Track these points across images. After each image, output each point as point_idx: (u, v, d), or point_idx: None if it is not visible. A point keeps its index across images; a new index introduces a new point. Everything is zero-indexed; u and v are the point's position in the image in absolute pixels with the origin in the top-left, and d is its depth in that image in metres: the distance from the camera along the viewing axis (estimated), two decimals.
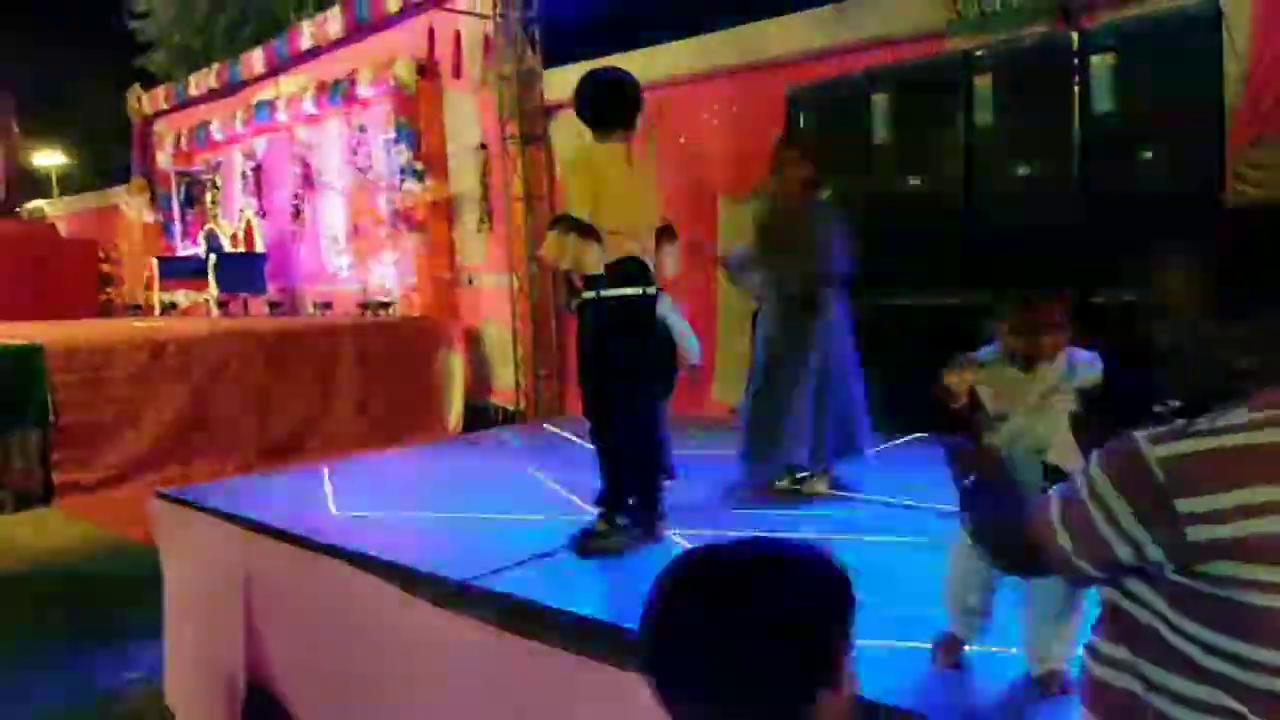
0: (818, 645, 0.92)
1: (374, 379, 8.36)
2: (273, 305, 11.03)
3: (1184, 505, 1.05)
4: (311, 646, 2.82)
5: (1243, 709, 1.05)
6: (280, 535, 2.87)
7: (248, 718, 3.07)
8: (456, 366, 8.94)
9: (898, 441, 4.11)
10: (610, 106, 2.74)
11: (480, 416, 8.99)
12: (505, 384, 8.84)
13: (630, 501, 2.68)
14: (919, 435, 4.21)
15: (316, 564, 2.75)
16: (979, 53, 4.77)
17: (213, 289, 10.59)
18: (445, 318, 9.12)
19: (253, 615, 3.01)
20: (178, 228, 13.08)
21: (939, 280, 4.62)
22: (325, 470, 3.78)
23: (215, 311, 10.66)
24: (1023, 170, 4.49)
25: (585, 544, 2.61)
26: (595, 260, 2.58)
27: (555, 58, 7.65)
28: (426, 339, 8.82)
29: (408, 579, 2.46)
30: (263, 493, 3.45)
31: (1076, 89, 4.30)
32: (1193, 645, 1.08)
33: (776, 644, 0.90)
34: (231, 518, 3.07)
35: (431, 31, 9.17)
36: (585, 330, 2.69)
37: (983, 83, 4.60)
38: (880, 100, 4.95)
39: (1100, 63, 4.22)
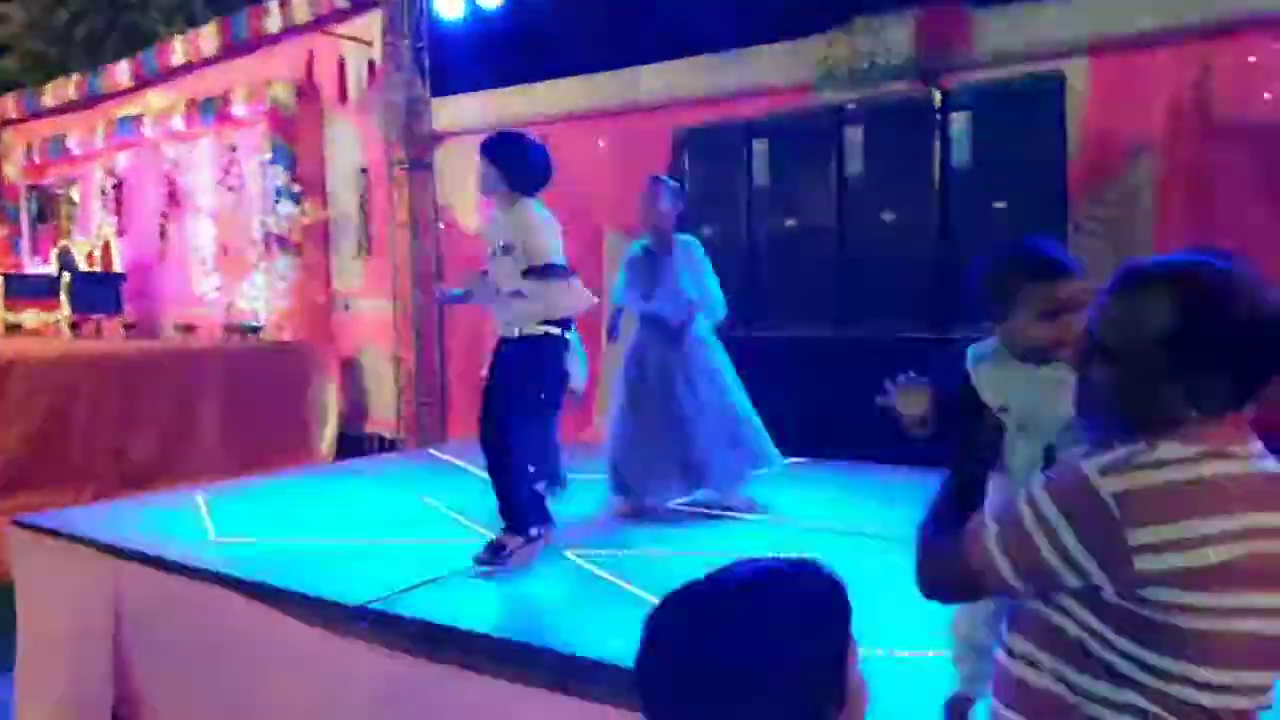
0: (824, 661, 0.88)
1: (241, 405, 8.04)
2: (128, 327, 10.47)
3: (1134, 537, 1.09)
4: (188, 678, 2.73)
5: (1164, 715, 1.12)
6: (157, 563, 2.77)
7: None
8: (331, 393, 8.72)
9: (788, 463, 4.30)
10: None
11: (354, 445, 8.78)
12: (383, 412, 8.67)
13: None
14: (800, 460, 4.41)
15: (196, 592, 2.68)
16: (851, 106, 5.09)
17: (65, 309, 9.98)
18: (319, 343, 8.89)
19: (123, 648, 2.89)
20: (25, 243, 12.27)
21: (814, 314, 4.88)
22: (200, 495, 3.65)
23: (67, 333, 10.03)
24: (888, 216, 4.80)
25: (494, 558, 2.65)
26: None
27: (441, 88, 7.67)
28: (298, 364, 8.56)
29: (298, 605, 2.42)
30: (133, 519, 3.31)
31: (938, 143, 4.66)
32: (1120, 658, 1.14)
33: (782, 667, 0.85)
34: (102, 546, 2.94)
35: (311, 55, 9.03)
36: (510, 363, 2.81)
37: (853, 133, 4.91)
38: (760, 147, 5.21)
39: (959, 119, 4.59)
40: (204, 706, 2.72)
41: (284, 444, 8.26)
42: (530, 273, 2.79)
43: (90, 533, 3.06)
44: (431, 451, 4.73)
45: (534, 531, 2.79)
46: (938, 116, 4.67)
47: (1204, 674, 1.12)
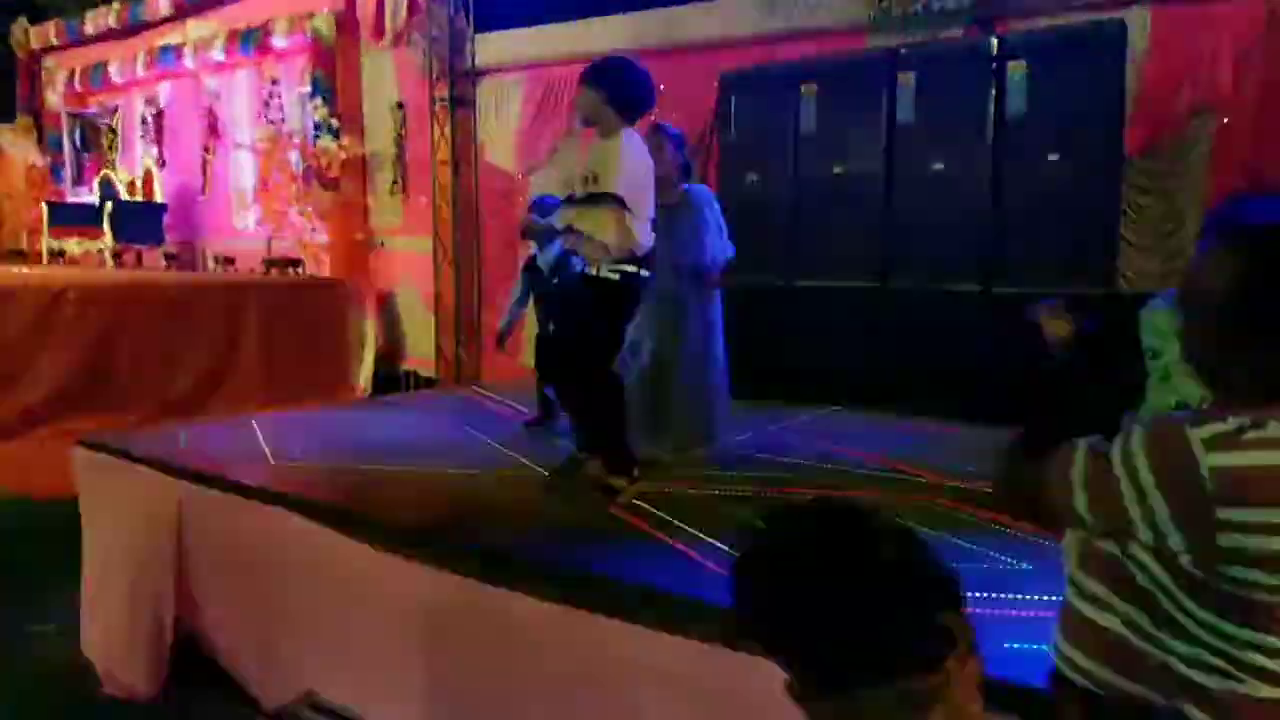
0: (937, 602, 0.84)
1: (280, 338, 8.17)
2: (169, 258, 10.61)
3: (1224, 514, 1.07)
4: (247, 596, 2.84)
5: (1236, 672, 1.14)
6: (219, 483, 2.87)
7: (175, 667, 3.06)
8: (368, 330, 8.82)
9: (822, 412, 4.34)
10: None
11: (390, 381, 8.91)
12: (420, 349, 8.77)
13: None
14: (836, 408, 4.45)
15: (256, 513, 2.77)
16: (903, 50, 5.00)
17: (108, 238, 10.11)
18: (356, 279, 8.98)
19: (184, 566, 3.00)
20: (68, 172, 12.39)
21: (859, 264, 4.86)
22: (254, 421, 3.75)
23: (109, 262, 10.19)
24: (938, 165, 4.74)
25: (605, 500, 2.73)
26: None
27: (484, 23, 7.60)
28: (337, 300, 8.66)
29: (356, 527, 2.51)
30: (194, 441, 3.41)
31: (993, 91, 4.57)
32: (1188, 617, 1.15)
33: (902, 601, 0.82)
34: (165, 466, 3.04)
35: None
36: (582, 299, 2.81)
37: (906, 79, 4.83)
38: (809, 90, 5.14)
39: (1016, 67, 4.50)
40: (261, 622, 2.83)
41: (322, 378, 8.39)
42: (588, 200, 2.76)
43: (153, 453, 3.15)
44: (475, 388, 4.79)
45: (635, 472, 2.83)
46: (993, 64, 4.58)
47: (1273, 642, 1.13)
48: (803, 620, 0.83)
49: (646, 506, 2.66)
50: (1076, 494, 1.19)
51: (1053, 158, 4.45)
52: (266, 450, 3.31)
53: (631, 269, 2.79)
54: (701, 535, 2.40)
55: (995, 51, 4.59)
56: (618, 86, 2.82)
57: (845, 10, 6.04)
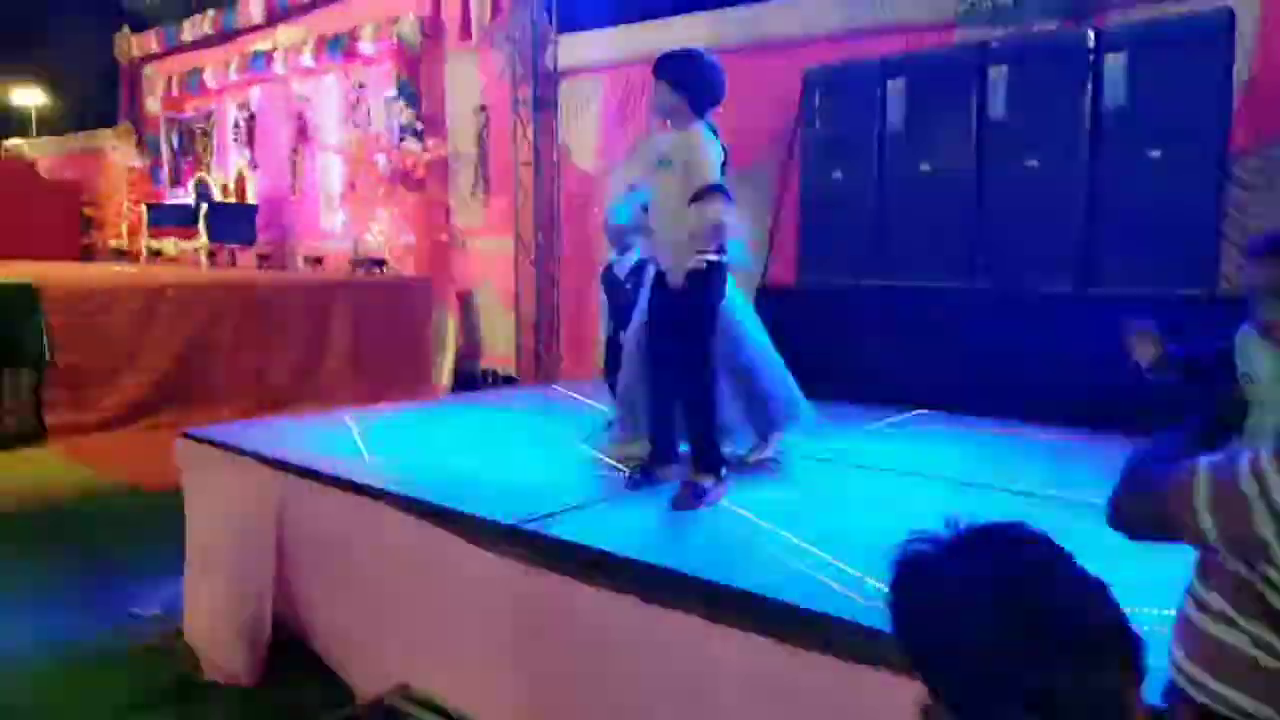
0: (1113, 665, 0.78)
1: (367, 335, 8.40)
2: (261, 258, 10.98)
3: None
4: (344, 588, 2.92)
5: None
6: (318, 477, 2.95)
7: (274, 653, 3.16)
8: (449, 327, 9.00)
9: (904, 416, 4.26)
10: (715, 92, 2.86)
11: (469, 379, 9.07)
12: (500, 347, 8.91)
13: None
14: (921, 410, 4.37)
15: (354, 506, 2.84)
16: (995, 44, 4.88)
17: (203, 238, 10.51)
18: (439, 278, 9.16)
19: (283, 556, 3.09)
20: (165, 174, 12.92)
21: (948, 265, 4.77)
22: (347, 417, 3.85)
23: (204, 261, 10.59)
24: (1032, 163, 4.62)
25: (689, 502, 2.70)
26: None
27: (566, 24, 7.67)
28: (421, 298, 8.87)
29: (452, 521, 2.55)
30: (292, 436, 3.52)
31: (1090, 86, 4.43)
32: None
33: (1073, 656, 0.76)
34: (266, 459, 3.14)
35: None
36: (692, 295, 2.77)
37: (997, 74, 4.72)
38: (895, 86, 5.05)
39: (1114, 60, 4.35)
40: (357, 613, 2.91)
41: (405, 374, 8.60)
42: (697, 196, 2.72)
43: (254, 447, 3.26)
44: (555, 387, 4.84)
45: (724, 471, 2.82)
46: (1090, 57, 4.43)
47: None
48: (960, 654, 0.78)
49: (734, 507, 2.65)
50: (1202, 516, 1.15)
51: (1153, 154, 4.29)
52: (362, 444, 3.40)
53: (715, 255, 2.78)
54: (795, 539, 2.37)
55: (1092, 44, 4.44)
56: (688, 76, 2.81)
57: (932, 5, 5.93)
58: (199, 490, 3.51)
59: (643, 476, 2.95)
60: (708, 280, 2.76)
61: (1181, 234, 4.26)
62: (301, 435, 3.57)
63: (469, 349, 9.21)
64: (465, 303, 9.24)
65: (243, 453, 3.25)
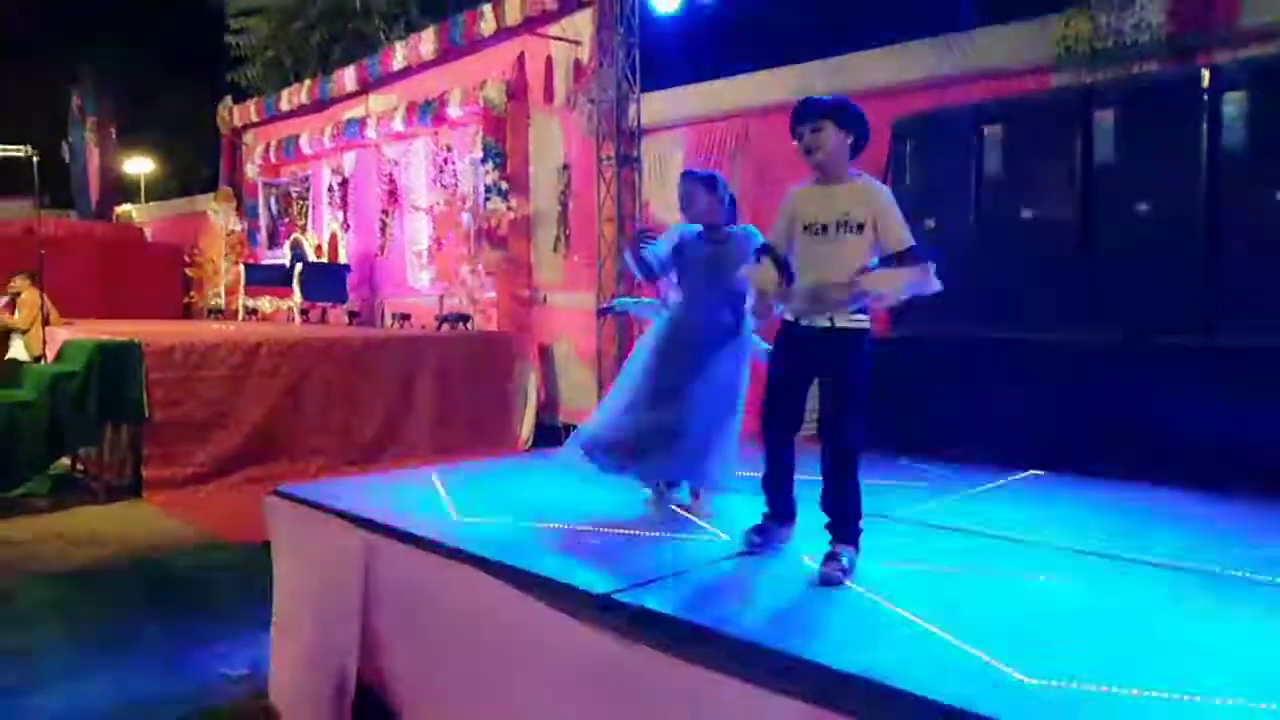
0: None
1: (451, 390, 8.47)
2: (352, 315, 11.25)
3: None
4: (430, 652, 2.82)
5: None
6: (407, 538, 2.88)
7: (356, 718, 3.07)
8: (532, 382, 9.02)
9: (1014, 478, 4.02)
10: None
11: (549, 434, 9.04)
12: (579, 402, 8.87)
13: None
14: (1036, 472, 4.11)
15: (443, 569, 2.75)
16: (1100, 87, 4.69)
17: (297, 297, 10.82)
18: (521, 334, 9.22)
19: (369, 617, 3.02)
20: (263, 236, 13.43)
21: (1056, 315, 4.53)
22: (434, 475, 3.80)
23: (298, 318, 10.89)
24: (1143, 208, 4.38)
25: (840, 575, 2.54)
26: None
27: (648, 83, 7.73)
28: (503, 354, 8.92)
29: (544, 590, 2.44)
30: (380, 495, 3.47)
31: (1205, 127, 4.20)
32: None
33: None
34: (355, 519, 3.09)
35: (521, 55, 9.35)
36: (856, 357, 2.65)
37: (1103, 117, 4.51)
38: (993, 133, 4.88)
39: (1233, 100, 4.12)
40: (443, 680, 2.80)
41: (488, 428, 8.63)
42: (895, 259, 2.55)
43: (342, 505, 3.22)
44: None
45: (861, 541, 2.66)
46: (1205, 97, 4.21)
47: None
48: None
49: (859, 589, 2.46)
50: None
51: (1279, 196, 4.02)
52: (449, 504, 3.32)
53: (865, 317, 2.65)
54: (931, 627, 2.17)
55: (1207, 83, 4.22)
56: (851, 115, 2.62)
57: (1025, 50, 5.77)
58: (287, 547, 3.48)
59: (761, 539, 2.78)
60: (869, 338, 2.64)
61: None
62: (389, 493, 3.52)
63: (548, 403, 9.21)
64: (544, 357, 9.27)
65: (330, 510, 3.21)
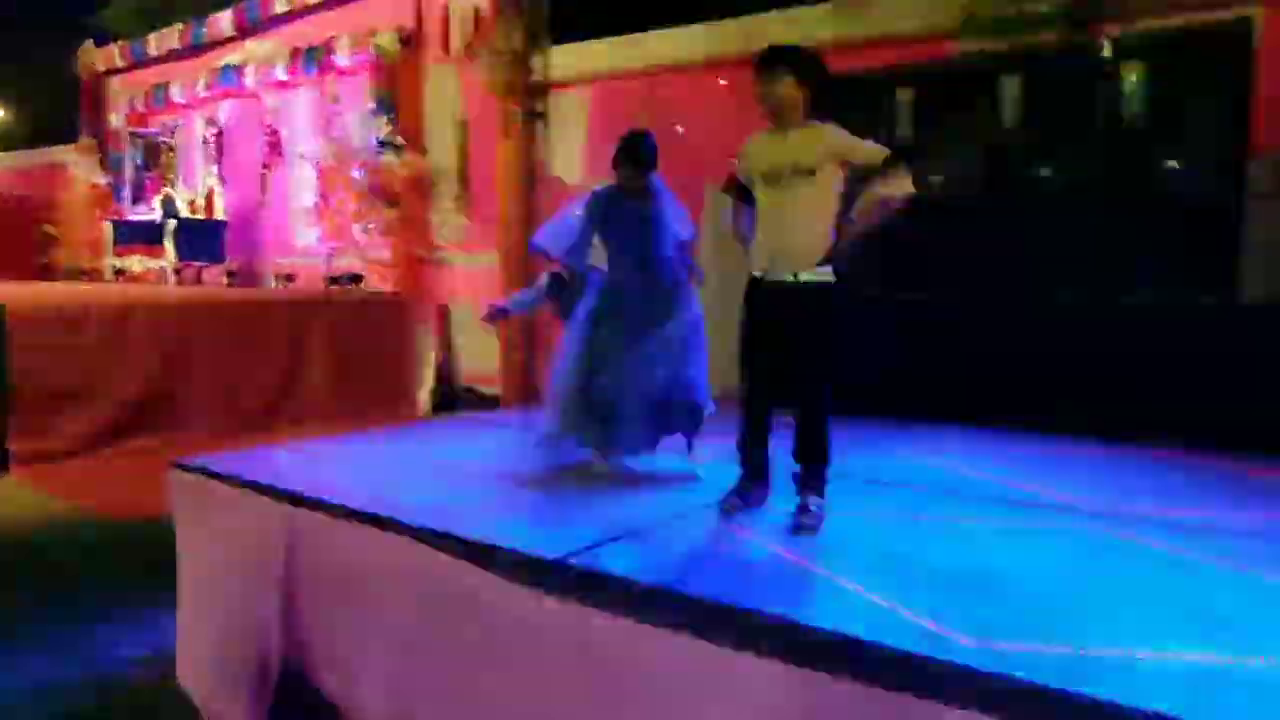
0: None
1: (345, 355, 8.15)
2: (230, 275, 10.66)
3: None
4: (362, 629, 2.69)
5: None
6: (335, 510, 2.73)
7: (279, 699, 2.93)
8: (430, 346, 8.77)
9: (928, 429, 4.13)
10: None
11: (449, 398, 8.83)
12: (481, 365, 8.68)
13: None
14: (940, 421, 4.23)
15: (375, 541, 2.63)
16: (1006, 54, 4.82)
17: (171, 256, 10.18)
18: (419, 296, 8.93)
19: (292, 594, 2.86)
20: (128, 191, 12.54)
21: (958, 275, 4.67)
22: (350, 442, 3.63)
23: (171, 279, 10.25)
24: (1045, 171, 4.55)
25: (814, 525, 2.56)
26: None
27: (554, 37, 7.52)
28: (399, 316, 8.63)
29: (487, 556, 2.35)
30: (293, 464, 3.28)
31: (1105, 96, 4.37)
32: None
33: None
34: (277, 492, 2.91)
35: (419, 4, 8.95)
36: (824, 312, 2.63)
37: (1010, 84, 4.65)
38: (904, 97, 4.96)
39: (1131, 70, 4.29)
40: (379, 655, 2.68)
41: (386, 393, 8.36)
42: (883, 172, 2.55)
43: (257, 477, 3.03)
44: None
45: (825, 491, 2.68)
46: (1105, 68, 4.38)
47: None
48: None
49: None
50: None
51: (1171, 164, 4.23)
52: (373, 471, 3.18)
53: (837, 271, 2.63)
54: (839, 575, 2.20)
55: (1108, 53, 4.39)
56: (813, 69, 2.61)
57: (930, 16, 5.86)
58: (194, 523, 3.26)
59: (741, 501, 2.76)
60: (839, 290, 2.61)
61: (1200, 242, 4.21)
62: (304, 463, 3.34)
63: (448, 368, 8.98)
64: (444, 319, 9.02)
65: (245, 483, 3.02)
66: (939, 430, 4.19)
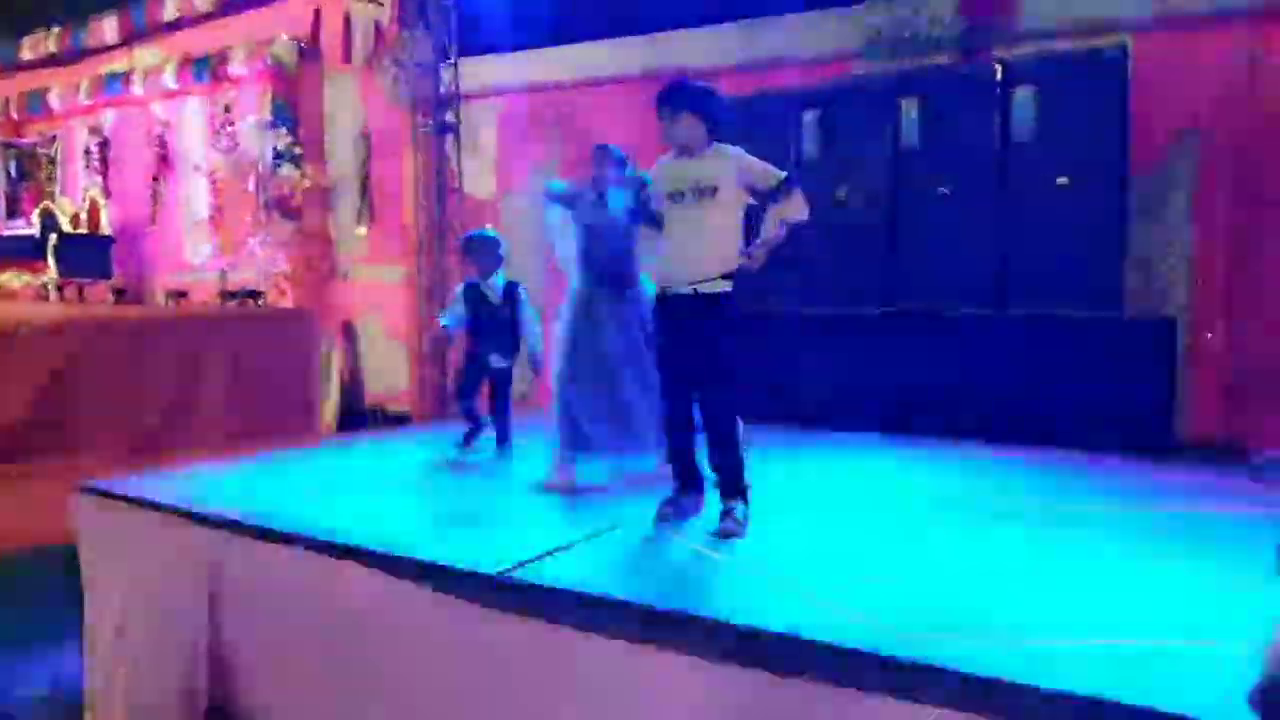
0: None
1: (244, 373, 7.85)
2: (117, 292, 10.16)
3: None
4: (296, 657, 2.63)
5: None
6: (262, 534, 2.66)
7: None
8: (333, 363, 8.55)
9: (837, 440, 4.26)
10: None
11: (355, 416, 8.63)
12: (389, 382, 8.52)
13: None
14: (844, 432, 4.38)
15: (306, 564, 2.57)
16: (906, 75, 5.04)
17: (52, 272, 9.65)
18: (321, 311, 8.70)
19: (218, 624, 2.77)
20: (2, 204, 11.83)
21: (863, 290, 4.87)
22: (274, 460, 3.54)
23: (53, 295, 9.71)
24: (944, 189, 4.77)
25: (737, 528, 2.64)
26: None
27: (459, 49, 7.47)
28: (301, 332, 8.37)
29: (425, 575, 2.34)
30: (208, 486, 3.17)
31: (997, 115, 4.62)
32: None
33: None
34: (196, 515, 2.81)
35: (316, 14, 8.76)
36: (720, 320, 2.74)
37: (909, 104, 4.86)
38: (810, 117, 5.13)
39: (1022, 93, 4.55)
40: (314, 683, 2.62)
41: (288, 413, 8.08)
42: (777, 193, 2.73)
43: (173, 500, 2.93)
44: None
45: (749, 495, 2.76)
46: (998, 90, 4.63)
47: None
48: None
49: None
50: None
51: (1060, 181, 4.50)
52: (293, 493, 3.11)
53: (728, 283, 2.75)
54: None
55: (1000, 76, 4.64)
56: (712, 108, 2.78)
57: (834, 38, 6.08)
58: (103, 551, 3.12)
59: (673, 510, 2.82)
60: (732, 301, 2.73)
61: (1088, 257, 4.48)
62: (221, 485, 3.23)
63: (354, 384, 8.78)
64: (349, 335, 8.82)
65: (162, 507, 2.91)
66: (852, 438, 4.34)
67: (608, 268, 3.36)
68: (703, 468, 2.87)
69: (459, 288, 4.09)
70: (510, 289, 3.97)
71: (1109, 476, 3.55)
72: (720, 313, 2.74)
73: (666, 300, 2.82)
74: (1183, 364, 4.73)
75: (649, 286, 3.32)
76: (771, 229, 2.75)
